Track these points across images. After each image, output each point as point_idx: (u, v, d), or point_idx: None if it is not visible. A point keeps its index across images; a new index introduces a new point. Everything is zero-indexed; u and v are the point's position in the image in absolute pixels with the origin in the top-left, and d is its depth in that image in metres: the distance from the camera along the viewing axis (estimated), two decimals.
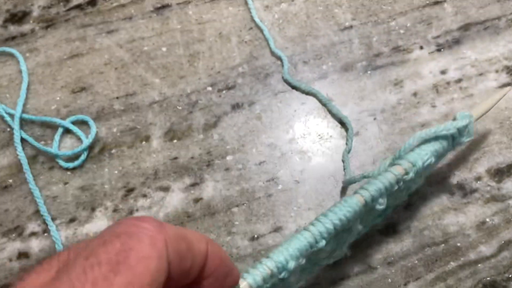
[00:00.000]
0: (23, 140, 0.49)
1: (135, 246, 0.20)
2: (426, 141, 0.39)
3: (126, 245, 0.20)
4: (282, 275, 0.32)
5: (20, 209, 0.47)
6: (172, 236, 0.21)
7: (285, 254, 0.32)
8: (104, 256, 0.19)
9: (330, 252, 0.38)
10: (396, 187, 0.38)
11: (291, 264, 0.32)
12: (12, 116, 0.50)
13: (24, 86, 0.51)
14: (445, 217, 0.45)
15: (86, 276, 0.19)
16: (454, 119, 0.41)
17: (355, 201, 0.36)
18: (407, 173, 0.38)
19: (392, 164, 0.39)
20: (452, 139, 0.40)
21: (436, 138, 0.39)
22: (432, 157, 0.39)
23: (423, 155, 0.38)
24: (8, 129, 0.50)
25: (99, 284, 0.18)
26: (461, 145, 0.41)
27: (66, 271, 0.19)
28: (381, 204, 0.38)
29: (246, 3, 0.54)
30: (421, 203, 0.45)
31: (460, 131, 0.40)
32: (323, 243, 0.34)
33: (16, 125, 0.49)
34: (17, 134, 0.49)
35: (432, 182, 0.46)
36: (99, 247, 0.20)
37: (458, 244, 0.44)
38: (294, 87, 0.50)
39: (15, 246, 0.46)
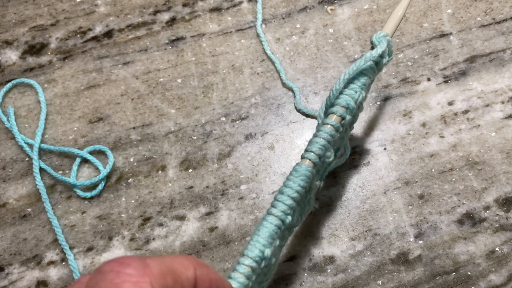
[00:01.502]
0: (41, 169, 0.51)
1: None
2: (352, 78, 0.38)
3: None
4: (263, 264, 0.32)
5: (38, 238, 0.48)
6: (157, 274, 0.21)
7: (259, 246, 0.32)
8: None
9: (298, 216, 0.38)
10: (338, 135, 0.38)
11: (267, 252, 0.32)
12: (31, 146, 0.51)
13: (42, 116, 0.52)
14: (455, 246, 0.46)
15: None
16: (372, 44, 0.40)
17: (304, 168, 0.36)
18: (343, 118, 0.38)
19: (326, 113, 0.38)
20: (376, 65, 0.39)
21: (361, 73, 0.38)
22: (362, 91, 0.38)
23: (354, 94, 0.38)
24: (27, 159, 0.51)
25: None
26: (385, 66, 0.40)
27: None
28: (329, 157, 0.38)
29: (258, 36, 0.56)
30: (431, 232, 0.46)
31: (382, 55, 0.39)
32: (289, 218, 0.34)
33: (35, 155, 0.50)
34: (36, 164, 0.50)
35: (442, 212, 0.47)
36: None
37: (469, 273, 0.45)
38: (308, 116, 0.52)
39: (34, 274, 0.47)
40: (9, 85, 0.54)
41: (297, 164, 0.36)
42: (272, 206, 0.35)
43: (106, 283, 0.20)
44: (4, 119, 0.53)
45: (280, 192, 0.35)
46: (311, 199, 0.40)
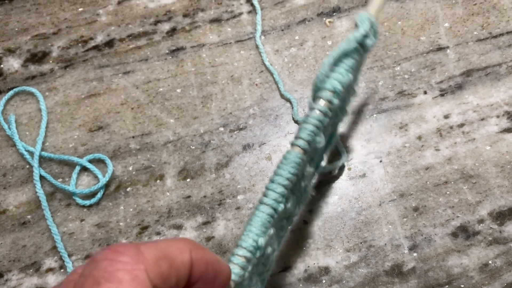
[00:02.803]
0: (41, 177, 0.51)
1: None
2: (337, 61, 0.38)
3: None
4: (258, 254, 0.32)
5: (37, 245, 0.49)
6: (152, 261, 0.21)
7: (252, 236, 0.32)
8: None
9: (294, 205, 0.38)
10: (327, 119, 0.37)
11: (261, 241, 0.32)
12: (31, 153, 0.52)
13: (43, 125, 0.53)
14: (449, 258, 0.46)
15: None
16: (356, 25, 0.39)
17: (294, 155, 0.35)
18: (331, 102, 0.37)
19: (314, 98, 0.38)
20: (362, 47, 0.39)
21: (346, 55, 0.38)
22: (349, 74, 0.38)
23: (340, 77, 0.37)
24: (27, 166, 0.52)
25: None
26: (372, 47, 0.40)
27: None
28: (320, 142, 0.37)
29: (257, 47, 0.56)
30: (425, 244, 0.47)
31: (367, 36, 0.38)
32: (281, 206, 0.34)
33: (35, 163, 0.51)
34: (37, 172, 0.51)
35: (436, 224, 0.48)
36: None
37: (462, 286, 0.45)
38: None
39: (32, 281, 0.47)
40: (11, 93, 0.55)
41: (287, 151, 0.36)
42: (263, 195, 0.35)
43: (99, 272, 0.20)
44: (5, 126, 0.53)
45: (271, 180, 0.35)
46: (307, 187, 0.39)
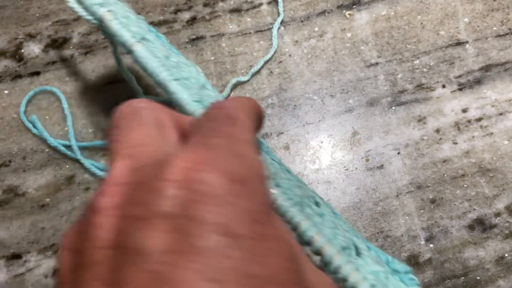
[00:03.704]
0: (61, 161, 0.52)
1: None
2: None
3: None
4: None
5: (56, 227, 0.49)
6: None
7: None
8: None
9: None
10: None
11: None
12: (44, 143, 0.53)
13: (69, 122, 0.53)
14: (465, 250, 0.47)
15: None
16: None
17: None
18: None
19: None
20: None
21: None
22: None
23: None
24: (47, 150, 0.53)
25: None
26: None
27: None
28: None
29: (276, 37, 0.57)
30: (442, 236, 0.47)
31: None
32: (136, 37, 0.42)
33: (78, 155, 0.51)
34: (86, 163, 0.51)
35: (453, 216, 0.48)
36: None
37: (478, 278, 0.46)
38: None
39: (51, 263, 0.48)
40: (32, 92, 0.55)
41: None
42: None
43: (124, 106, 0.24)
44: (30, 126, 0.53)
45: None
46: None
